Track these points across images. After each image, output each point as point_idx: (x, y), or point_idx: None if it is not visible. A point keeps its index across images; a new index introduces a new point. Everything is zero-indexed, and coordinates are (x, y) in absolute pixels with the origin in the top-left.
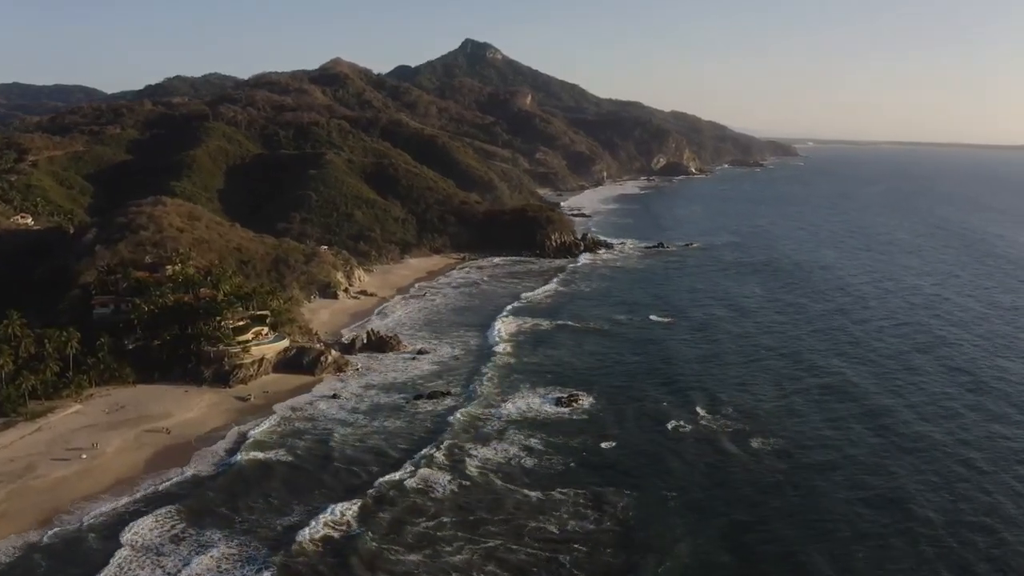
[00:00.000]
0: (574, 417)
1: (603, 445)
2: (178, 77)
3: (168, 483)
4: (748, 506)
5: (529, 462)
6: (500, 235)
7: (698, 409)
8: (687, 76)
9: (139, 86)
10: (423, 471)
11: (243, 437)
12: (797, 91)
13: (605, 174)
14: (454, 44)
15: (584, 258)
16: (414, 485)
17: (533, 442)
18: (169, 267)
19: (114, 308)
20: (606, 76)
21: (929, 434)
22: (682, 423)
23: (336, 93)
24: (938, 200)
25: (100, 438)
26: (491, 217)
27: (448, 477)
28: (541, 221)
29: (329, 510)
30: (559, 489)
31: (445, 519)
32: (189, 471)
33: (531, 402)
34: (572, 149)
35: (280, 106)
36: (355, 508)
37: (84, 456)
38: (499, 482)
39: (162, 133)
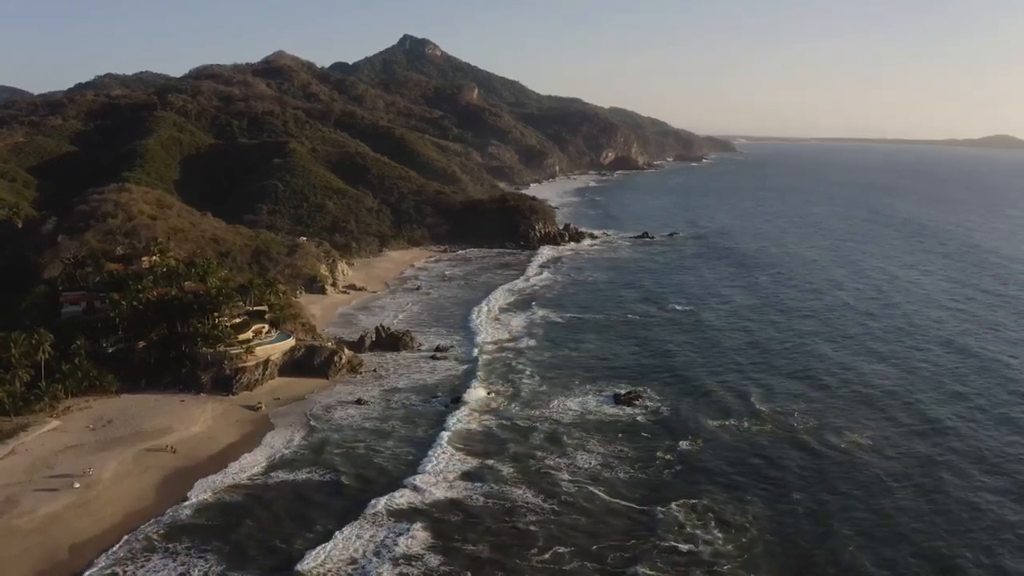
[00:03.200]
0: (641, 418)
1: (685, 446)
2: (109, 75)
3: (189, 515)
4: (871, 509)
5: (620, 471)
6: (481, 226)
7: (755, 401)
8: (624, 74)
9: (68, 85)
10: (499, 487)
11: (268, 455)
12: (731, 90)
13: (557, 168)
14: (392, 40)
15: (571, 248)
16: (497, 506)
17: (611, 447)
18: (145, 258)
19: (87, 306)
20: (546, 73)
21: None
22: (753, 419)
23: (281, 86)
24: (884, 191)
25: (91, 461)
26: (470, 208)
27: (534, 493)
28: (524, 211)
29: (399, 538)
30: (670, 501)
31: (561, 548)
32: (209, 497)
33: (586, 402)
34: (523, 143)
35: (229, 97)
36: (426, 535)
37: (76, 485)
38: (602, 495)
39: (107, 124)
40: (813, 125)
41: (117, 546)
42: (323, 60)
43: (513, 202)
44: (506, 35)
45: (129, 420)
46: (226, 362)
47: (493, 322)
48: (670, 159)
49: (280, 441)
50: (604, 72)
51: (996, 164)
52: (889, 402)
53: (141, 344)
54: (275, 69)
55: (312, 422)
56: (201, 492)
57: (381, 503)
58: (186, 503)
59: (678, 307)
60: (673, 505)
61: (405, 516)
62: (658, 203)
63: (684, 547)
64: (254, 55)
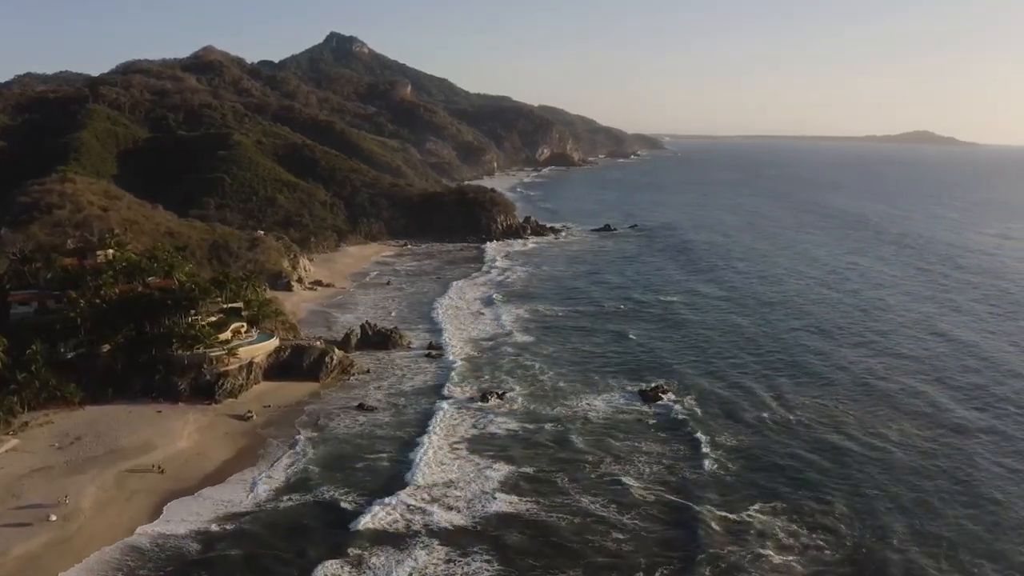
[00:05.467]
0: (675, 415)
1: (734, 443)
2: (29, 74)
3: (197, 551)
4: (962, 501)
5: (686, 472)
6: (439, 219)
7: (786, 391)
8: (549, 73)
9: None
10: (561, 499)
11: (274, 473)
12: (650, 89)
13: (495, 165)
14: (318, 38)
15: (536, 241)
16: (565, 521)
17: (656, 448)
18: (101, 252)
19: (39, 306)
20: (474, 72)
21: None
22: (786, 412)
23: (212, 81)
24: (813, 184)
25: (65, 487)
26: (427, 201)
27: (605, 502)
28: (484, 204)
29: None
30: (750, 506)
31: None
32: (215, 528)
33: (611, 399)
34: (461, 140)
35: (162, 91)
36: (494, 561)
37: (53, 517)
38: (679, 500)
39: (36, 118)
40: (735, 123)
41: None
42: (247, 59)
43: (472, 195)
44: (433, 33)
45: (101, 436)
46: (206, 366)
47: (479, 317)
48: (602, 156)
49: (284, 456)
50: (531, 71)
51: (918, 158)
52: (898, 388)
53: (105, 348)
54: (205, 64)
55: (315, 432)
56: (204, 521)
57: (431, 519)
58: (187, 535)
59: (669, 298)
60: (750, 510)
61: (462, 538)
62: (606, 197)
63: (800, 564)
64: (176, 54)
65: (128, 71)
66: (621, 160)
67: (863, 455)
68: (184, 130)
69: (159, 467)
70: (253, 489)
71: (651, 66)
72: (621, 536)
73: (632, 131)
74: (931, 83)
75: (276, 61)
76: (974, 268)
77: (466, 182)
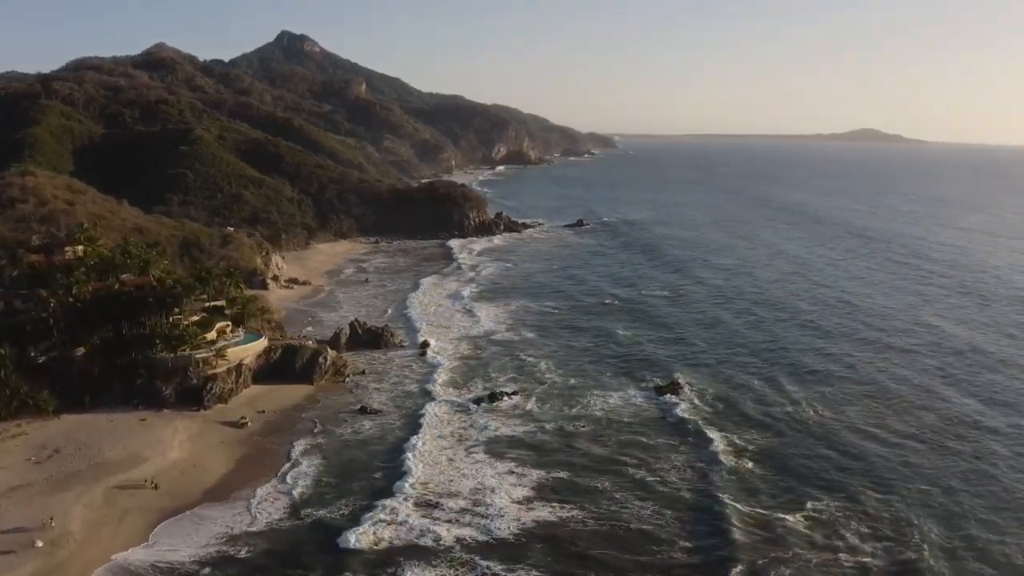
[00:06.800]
0: (698, 415)
1: (761, 442)
2: None
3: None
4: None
5: (723, 474)
6: (410, 216)
7: (788, 384)
8: (501, 72)
9: None
10: (602, 503)
11: (284, 488)
12: (602, 90)
13: (453, 163)
14: (268, 38)
15: (511, 237)
16: (607, 527)
17: (679, 447)
18: (69, 248)
19: (5, 306)
20: (426, 71)
21: None
22: (801, 406)
23: (165, 79)
24: (764, 180)
25: (49, 507)
26: (397, 197)
27: (642, 500)
28: (456, 199)
29: None
30: (794, 509)
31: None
32: (229, 550)
33: (628, 396)
34: (418, 138)
35: (115, 87)
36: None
37: (39, 543)
38: (726, 499)
39: None
40: (683, 123)
41: None
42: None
43: (444, 190)
44: (385, 33)
45: (82, 448)
46: (192, 369)
47: (466, 314)
48: (557, 154)
49: (290, 468)
50: (483, 71)
51: (865, 156)
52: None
53: (80, 351)
54: (157, 61)
55: (320, 440)
56: (215, 544)
57: (463, 532)
58: (197, 561)
59: (655, 291)
60: (795, 513)
61: (499, 552)
62: (570, 194)
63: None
64: (127, 52)
65: (80, 68)
66: (576, 158)
67: (892, 451)
68: (141, 126)
69: (152, 482)
70: (260, 507)
71: (598, 67)
72: (659, 546)
73: (585, 130)
74: (876, 82)
75: (227, 60)
76: (943, 260)
77: (424, 180)
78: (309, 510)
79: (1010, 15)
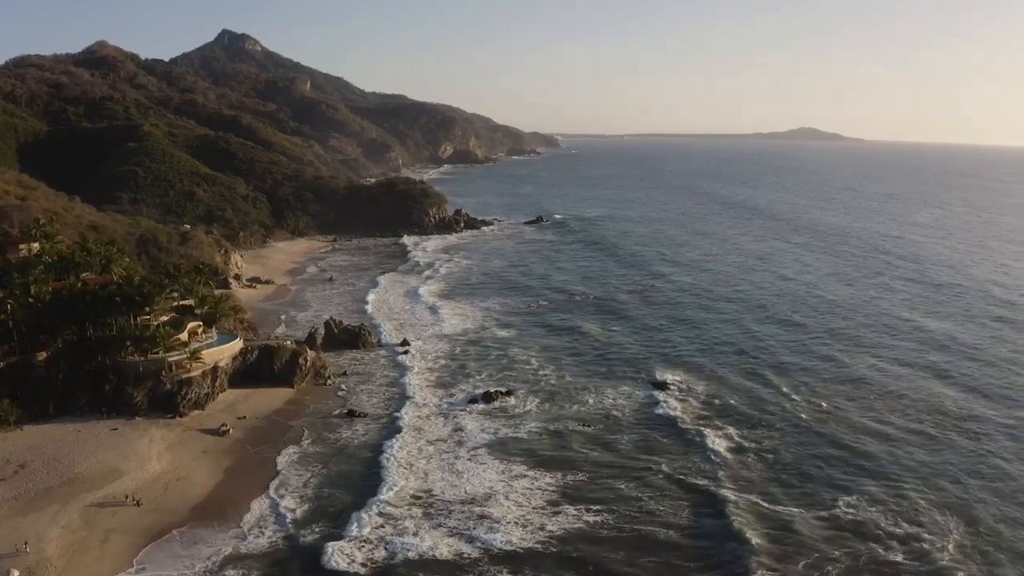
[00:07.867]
0: (710, 414)
1: (781, 441)
2: None
3: None
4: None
5: (760, 474)
6: (368, 213)
7: (773, 376)
8: (441, 72)
9: None
10: (628, 509)
11: (280, 498)
12: (542, 89)
13: (400, 161)
14: (209, 36)
15: (472, 234)
16: (633, 532)
17: (702, 446)
18: (24, 245)
19: None
20: (368, 71)
21: None
22: (797, 402)
23: (107, 76)
24: (710, 178)
25: (21, 530)
26: (354, 194)
27: (674, 505)
28: (415, 196)
29: None
30: (828, 506)
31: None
32: (222, 574)
33: (633, 393)
34: (364, 136)
35: (58, 84)
36: None
37: (15, 572)
38: (765, 506)
39: None
40: (622, 123)
41: None
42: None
43: (403, 187)
44: (326, 32)
45: (51, 462)
46: (165, 373)
47: (436, 312)
48: (502, 153)
49: (283, 480)
50: (424, 70)
51: (805, 153)
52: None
53: (42, 355)
54: (99, 59)
55: (311, 448)
56: (208, 569)
57: (485, 540)
58: None
59: (624, 287)
60: (832, 509)
61: (522, 562)
62: (523, 191)
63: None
64: (67, 50)
65: (20, 66)
66: (522, 157)
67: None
68: (87, 123)
69: (134, 498)
70: (253, 525)
71: (539, 68)
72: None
73: (529, 130)
74: (813, 82)
75: (167, 59)
76: (897, 253)
77: (371, 180)
78: (306, 527)
79: (944, 16)
